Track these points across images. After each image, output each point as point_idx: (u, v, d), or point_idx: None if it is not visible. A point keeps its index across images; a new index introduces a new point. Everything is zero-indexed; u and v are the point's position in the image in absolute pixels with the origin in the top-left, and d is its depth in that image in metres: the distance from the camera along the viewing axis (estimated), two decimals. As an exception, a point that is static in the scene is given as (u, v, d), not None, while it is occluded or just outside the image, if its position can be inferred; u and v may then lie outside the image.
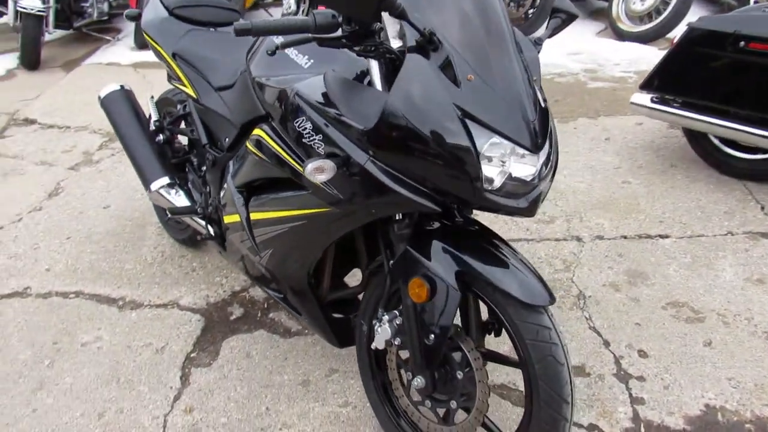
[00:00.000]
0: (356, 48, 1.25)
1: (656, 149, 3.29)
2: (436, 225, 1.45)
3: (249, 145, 1.62)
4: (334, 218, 1.44)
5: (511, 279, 1.31)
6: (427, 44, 1.21)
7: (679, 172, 3.04)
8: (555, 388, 1.28)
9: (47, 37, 5.46)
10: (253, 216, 1.69)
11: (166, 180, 2.16)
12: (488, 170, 1.21)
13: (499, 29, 1.29)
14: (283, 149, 1.48)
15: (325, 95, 1.36)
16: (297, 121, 1.40)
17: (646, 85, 2.84)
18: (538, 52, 1.46)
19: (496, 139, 1.20)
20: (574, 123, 3.69)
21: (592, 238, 2.56)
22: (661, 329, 2.06)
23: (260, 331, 2.14)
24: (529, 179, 1.24)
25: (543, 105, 1.30)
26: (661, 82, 2.79)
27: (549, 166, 1.31)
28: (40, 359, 2.04)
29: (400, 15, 1.15)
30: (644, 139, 3.41)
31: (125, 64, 5.33)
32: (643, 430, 1.71)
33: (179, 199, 2.14)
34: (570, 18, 1.54)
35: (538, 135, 1.23)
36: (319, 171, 1.27)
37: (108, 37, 6.08)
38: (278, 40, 1.26)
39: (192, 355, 2.04)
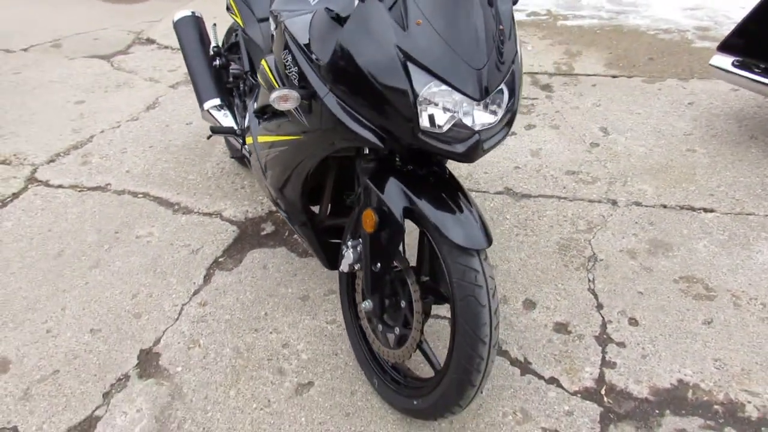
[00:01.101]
0: None
1: (741, 119, 3.02)
2: (406, 167, 1.53)
3: (258, 74, 1.78)
4: (308, 145, 1.58)
5: (451, 222, 1.38)
6: None
7: (756, 146, 2.78)
8: (473, 326, 1.36)
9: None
10: (260, 139, 1.87)
11: (217, 101, 2.40)
12: (431, 113, 1.27)
13: None
14: (275, 79, 1.63)
15: (305, 31, 1.48)
16: (282, 54, 1.53)
17: (727, 47, 2.60)
18: (514, 3, 1.45)
19: (436, 83, 1.25)
20: (661, 84, 3.45)
21: (628, 204, 2.48)
22: (663, 301, 2.00)
23: (282, 248, 2.36)
24: (467, 125, 1.28)
25: (504, 57, 1.32)
26: (744, 44, 2.54)
27: (500, 116, 1.34)
28: (101, 243, 2.42)
29: None
30: (732, 107, 3.13)
31: None
32: (603, 392, 1.73)
33: (225, 120, 2.37)
34: None
35: (485, 84, 1.27)
36: (283, 99, 1.41)
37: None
38: None
39: (220, 259, 2.32)
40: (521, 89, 1.46)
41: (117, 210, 2.62)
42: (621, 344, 1.86)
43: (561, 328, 1.93)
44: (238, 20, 2.25)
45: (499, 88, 1.33)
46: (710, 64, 2.72)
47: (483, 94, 1.27)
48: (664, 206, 2.45)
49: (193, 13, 2.60)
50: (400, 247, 1.54)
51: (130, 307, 2.10)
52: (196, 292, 2.16)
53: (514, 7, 1.47)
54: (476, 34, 1.28)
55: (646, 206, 2.46)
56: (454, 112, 1.27)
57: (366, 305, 1.59)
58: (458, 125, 1.29)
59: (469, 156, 1.32)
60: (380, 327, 1.64)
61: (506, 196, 2.58)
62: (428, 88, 1.25)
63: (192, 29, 2.55)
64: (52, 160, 3.01)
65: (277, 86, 1.61)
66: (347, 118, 1.37)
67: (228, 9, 2.43)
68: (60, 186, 2.80)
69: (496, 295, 1.39)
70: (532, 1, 4.95)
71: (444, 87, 1.25)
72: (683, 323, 1.92)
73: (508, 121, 1.39)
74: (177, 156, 3.01)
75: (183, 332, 1.99)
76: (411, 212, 1.43)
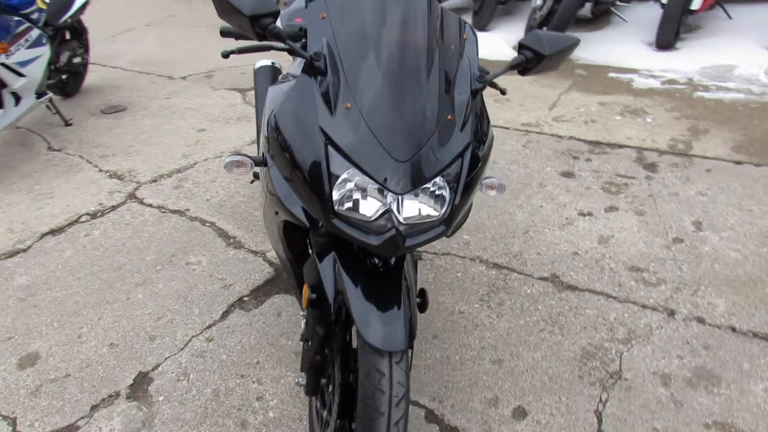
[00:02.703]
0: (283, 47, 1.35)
1: None
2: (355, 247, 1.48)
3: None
4: (271, 207, 1.59)
5: (372, 317, 1.30)
6: (312, 67, 1.26)
7: None
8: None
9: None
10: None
11: None
12: (356, 198, 1.22)
13: (414, 64, 1.26)
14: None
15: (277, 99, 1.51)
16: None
17: None
18: (482, 88, 1.34)
19: (354, 171, 1.20)
20: (791, 178, 2.93)
21: (688, 318, 2.12)
22: (679, 447, 1.68)
23: (303, 297, 2.39)
24: (374, 217, 1.21)
25: (446, 150, 1.23)
26: None
27: (441, 213, 1.24)
28: (155, 264, 2.65)
29: (275, 37, 1.23)
30: None
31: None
32: None
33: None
34: (538, 58, 1.36)
35: (412, 177, 1.19)
36: (236, 165, 1.45)
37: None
38: None
39: (245, 298, 2.41)
40: (476, 185, 1.35)
41: (183, 234, 2.85)
42: (605, 486, 1.60)
43: (543, 448, 1.71)
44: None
45: (437, 182, 1.24)
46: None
47: (406, 188, 1.20)
48: (733, 329, 2.06)
49: (273, 63, 2.77)
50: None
51: (150, 329, 2.27)
52: (209, 327, 2.27)
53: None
54: (407, 124, 1.21)
55: (710, 325, 2.09)
56: (382, 201, 1.21)
57: (299, 379, 1.55)
58: (379, 217, 1.22)
59: (384, 250, 1.24)
60: (317, 405, 1.58)
61: (549, 284, 2.36)
62: (346, 175, 1.21)
63: (266, 79, 2.72)
64: (155, 180, 3.38)
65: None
66: (281, 191, 1.37)
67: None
68: (150, 205, 3.13)
69: (402, 405, 1.27)
70: (676, 67, 4.50)
71: (361, 176, 1.20)
72: (694, 480, 1.59)
73: (448, 218, 1.28)
74: (253, 192, 3.21)
75: (180, 363, 2.10)
76: (340, 297, 1.38)
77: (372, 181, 1.19)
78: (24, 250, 2.77)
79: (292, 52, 1.27)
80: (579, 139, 3.56)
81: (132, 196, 3.22)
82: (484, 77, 1.34)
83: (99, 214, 3.07)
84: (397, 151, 1.19)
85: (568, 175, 3.17)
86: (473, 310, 2.25)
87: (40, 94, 3.86)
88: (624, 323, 2.13)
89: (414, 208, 1.24)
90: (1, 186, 3.35)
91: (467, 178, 1.29)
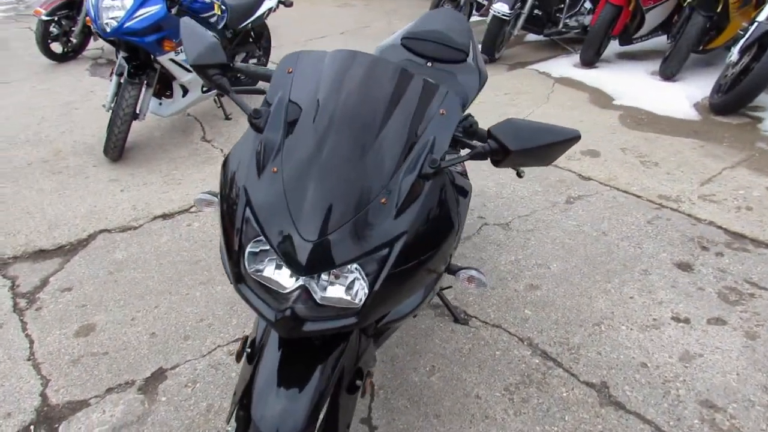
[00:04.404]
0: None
1: None
2: None
3: None
4: None
5: (269, 400, 1.23)
6: (252, 124, 1.22)
7: None
8: None
9: (513, 35, 6.16)
10: None
11: None
12: (271, 266, 1.18)
13: (355, 138, 1.16)
14: None
15: None
16: None
17: None
18: (431, 174, 1.18)
19: (261, 240, 1.15)
20: None
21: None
22: None
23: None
24: (290, 289, 1.14)
25: (370, 235, 1.11)
26: None
27: (358, 301, 1.13)
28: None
29: (219, 87, 1.22)
30: None
31: (554, 76, 5.56)
32: None
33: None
34: (504, 152, 1.14)
35: (318, 260, 1.10)
36: (205, 204, 1.46)
37: (570, 48, 6.36)
38: None
39: (282, 320, 2.44)
40: (420, 281, 1.21)
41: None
42: None
43: None
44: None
45: (351, 269, 1.13)
46: None
47: (306, 270, 1.11)
48: None
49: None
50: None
51: (189, 328, 2.40)
52: (236, 340, 2.33)
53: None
54: (325, 202, 1.12)
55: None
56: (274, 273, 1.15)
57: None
58: (294, 290, 1.15)
59: (280, 329, 1.16)
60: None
61: (593, 393, 2.02)
62: (255, 242, 1.16)
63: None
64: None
65: None
66: (222, 241, 1.35)
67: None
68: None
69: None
70: None
71: (267, 247, 1.14)
72: None
73: (362, 311, 1.15)
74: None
75: (195, 369, 2.19)
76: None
77: (277, 254, 1.12)
78: (134, 228, 3.12)
79: (238, 103, 1.26)
80: (720, 227, 3.00)
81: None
82: (436, 162, 1.18)
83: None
84: (307, 229, 1.11)
85: (684, 267, 2.69)
86: (492, 399, 2.02)
87: (207, 89, 4.32)
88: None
89: (337, 290, 1.15)
90: (149, 166, 3.80)
91: (395, 270, 1.14)
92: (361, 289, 1.15)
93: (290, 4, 5.10)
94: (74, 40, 5.84)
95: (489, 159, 1.19)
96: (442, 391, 2.05)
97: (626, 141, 4.02)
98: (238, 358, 1.40)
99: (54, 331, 2.39)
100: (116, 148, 3.80)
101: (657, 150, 3.88)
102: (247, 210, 1.17)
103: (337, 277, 1.16)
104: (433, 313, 2.43)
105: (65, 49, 5.86)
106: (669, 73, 5.23)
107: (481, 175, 3.60)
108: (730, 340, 2.25)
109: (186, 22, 1.32)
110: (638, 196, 3.32)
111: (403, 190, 1.16)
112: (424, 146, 1.20)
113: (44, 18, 5.45)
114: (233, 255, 1.19)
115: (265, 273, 1.17)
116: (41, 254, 2.90)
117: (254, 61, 5.13)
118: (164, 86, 4.09)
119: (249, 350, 1.39)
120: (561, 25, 6.11)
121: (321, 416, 1.32)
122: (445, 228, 1.23)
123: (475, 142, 1.22)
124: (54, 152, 4.04)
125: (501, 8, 5.57)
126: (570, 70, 5.63)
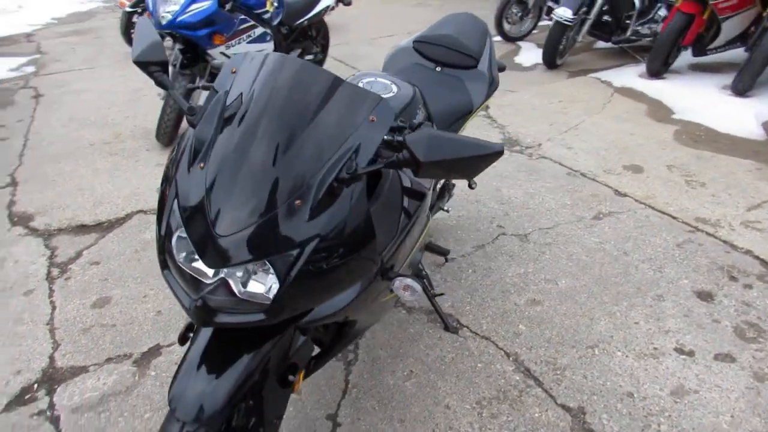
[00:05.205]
0: None
1: None
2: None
3: None
4: None
5: (188, 378, 1.29)
6: (188, 120, 1.28)
7: None
8: None
9: (577, 43, 5.95)
10: None
11: None
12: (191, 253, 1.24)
13: (273, 139, 1.20)
14: None
15: None
16: None
17: None
18: (348, 180, 1.19)
19: (182, 232, 1.21)
20: None
21: None
22: None
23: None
24: (213, 279, 1.19)
25: (281, 236, 1.15)
26: None
27: (270, 296, 1.18)
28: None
29: (160, 84, 1.29)
30: None
31: (615, 85, 5.32)
32: None
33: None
34: (415, 163, 1.13)
35: (228, 254, 1.15)
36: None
37: (639, 57, 6.07)
38: None
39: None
40: (333, 285, 1.24)
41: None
42: None
43: None
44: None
45: (260, 267, 1.17)
46: None
47: (217, 263, 1.16)
48: None
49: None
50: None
51: (192, 311, 2.52)
52: (232, 326, 2.43)
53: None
54: (240, 199, 1.16)
55: None
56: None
57: None
58: (216, 281, 1.21)
59: (193, 316, 1.22)
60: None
61: (567, 417, 1.95)
62: (179, 233, 1.22)
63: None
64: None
65: None
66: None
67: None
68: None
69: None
70: None
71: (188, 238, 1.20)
72: None
73: (271, 307, 1.19)
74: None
75: (188, 350, 2.30)
76: None
77: (193, 246, 1.18)
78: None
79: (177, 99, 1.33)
80: (757, 257, 2.79)
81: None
82: (353, 168, 1.18)
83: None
84: (221, 224, 1.16)
85: (704, 296, 2.53)
86: (461, 411, 1.99)
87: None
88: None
89: (257, 286, 1.19)
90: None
91: (306, 270, 1.17)
92: (274, 286, 1.18)
93: (349, 3, 5.18)
94: (152, 30, 6.21)
95: (409, 169, 1.18)
96: (413, 397, 2.05)
97: (675, 158, 3.80)
98: (181, 342, 1.47)
99: (75, 300, 2.59)
100: (166, 134, 4.02)
101: (707, 169, 3.64)
102: (175, 202, 1.23)
103: (256, 273, 1.20)
104: (426, 318, 2.42)
105: (144, 39, 6.24)
106: (741, 88, 4.88)
107: (507, 183, 3.53)
108: (734, 378, 2.10)
109: (142, 21, 1.40)
110: (674, 217, 3.14)
111: (318, 193, 1.18)
112: (347, 151, 1.21)
113: (128, 9, 5.83)
114: (159, 242, 1.26)
115: (193, 263, 1.23)
116: (82, 229, 3.14)
117: (310, 57, 5.24)
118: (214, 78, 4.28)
119: (192, 334, 1.45)
120: (630, 32, 5.84)
121: (244, 406, 1.38)
122: (364, 232, 1.24)
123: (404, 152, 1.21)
124: (115, 135, 4.34)
125: (564, 13, 5.40)
126: (634, 80, 5.37)
